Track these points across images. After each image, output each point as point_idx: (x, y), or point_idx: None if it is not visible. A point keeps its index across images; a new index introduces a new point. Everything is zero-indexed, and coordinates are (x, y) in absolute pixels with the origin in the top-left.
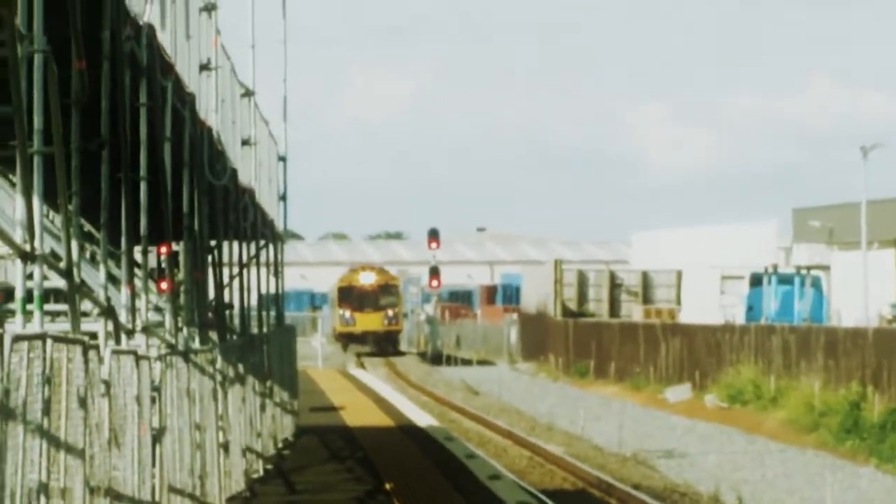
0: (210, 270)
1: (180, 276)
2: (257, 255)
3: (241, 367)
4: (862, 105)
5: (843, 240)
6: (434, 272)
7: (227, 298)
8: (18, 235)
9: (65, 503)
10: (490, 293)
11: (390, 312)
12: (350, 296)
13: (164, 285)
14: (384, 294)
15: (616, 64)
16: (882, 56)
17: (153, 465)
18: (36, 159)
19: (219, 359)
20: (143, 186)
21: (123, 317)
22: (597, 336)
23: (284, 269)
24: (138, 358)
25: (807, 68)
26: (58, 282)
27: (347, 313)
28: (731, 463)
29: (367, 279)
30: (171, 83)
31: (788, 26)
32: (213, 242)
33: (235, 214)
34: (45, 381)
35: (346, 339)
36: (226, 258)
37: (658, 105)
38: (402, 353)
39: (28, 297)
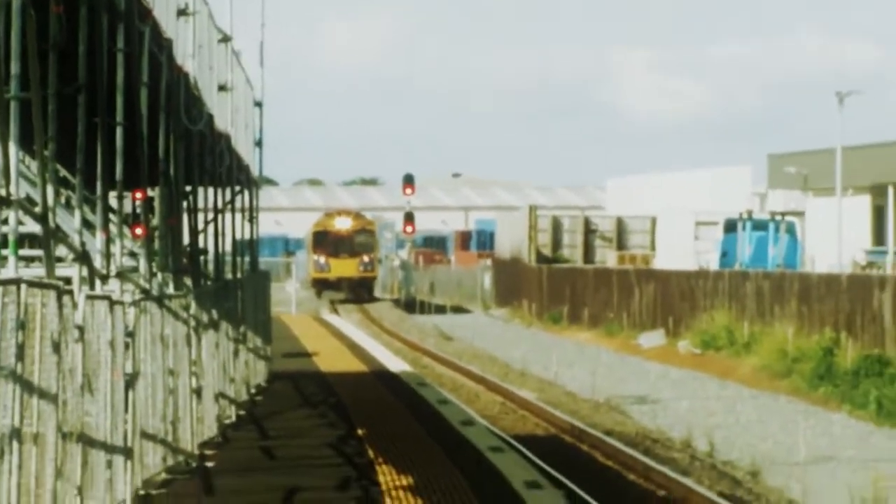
0: (185, 216)
1: (155, 221)
2: (232, 201)
3: (214, 313)
4: (845, 53)
5: (818, 186)
6: (408, 218)
7: (201, 244)
8: None
9: (37, 448)
10: (464, 239)
11: (366, 258)
12: (325, 241)
13: (138, 231)
14: (360, 239)
15: (597, 11)
16: (867, 4)
17: (126, 410)
18: (13, 104)
19: (193, 304)
20: (119, 132)
21: (98, 262)
22: (571, 282)
23: (259, 214)
24: (112, 303)
25: (790, 17)
26: (33, 227)
27: (322, 259)
28: (703, 409)
29: (343, 224)
30: (149, 28)
31: None
32: (188, 188)
33: (211, 160)
34: (19, 326)
35: (321, 286)
36: (201, 204)
37: (640, 53)
38: (377, 300)
39: (3, 241)
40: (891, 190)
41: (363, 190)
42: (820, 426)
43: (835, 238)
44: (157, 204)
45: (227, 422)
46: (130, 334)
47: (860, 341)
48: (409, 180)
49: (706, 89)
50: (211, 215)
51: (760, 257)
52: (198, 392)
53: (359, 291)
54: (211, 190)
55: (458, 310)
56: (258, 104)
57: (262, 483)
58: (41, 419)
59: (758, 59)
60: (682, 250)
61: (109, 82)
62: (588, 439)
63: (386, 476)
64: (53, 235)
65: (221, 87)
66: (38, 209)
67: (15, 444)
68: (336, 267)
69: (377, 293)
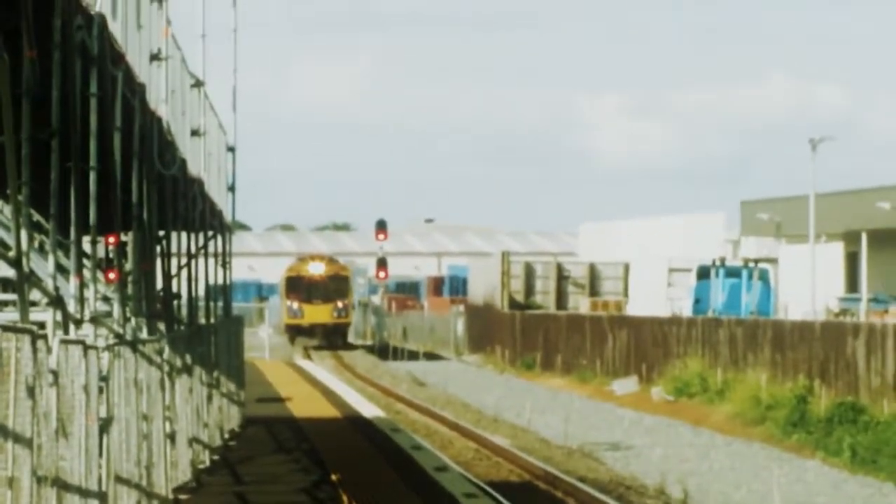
0: (158, 261)
1: (129, 266)
2: (206, 246)
3: (188, 358)
4: (815, 99)
5: (791, 233)
6: (381, 263)
7: (175, 289)
8: None
9: (12, 493)
10: (437, 284)
11: (339, 304)
12: (299, 286)
13: (111, 275)
14: (334, 285)
15: (569, 56)
16: (836, 50)
17: (100, 454)
18: None
19: (166, 349)
20: (92, 176)
21: (72, 306)
22: (544, 328)
23: (232, 259)
24: (86, 348)
25: (760, 62)
26: (6, 271)
27: (295, 305)
28: (677, 455)
29: (317, 269)
30: (122, 73)
31: (742, 20)
32: (161, 233)
33: (185, 204)
34: None
35: (294, 332)
36: (174, 249)
37: (610, 98)
38: (351, 347)
39: None
40: (864, 237)
41: (336, 235)
42: (794, 473)
43: (808, 285)
44: (130, 249)
45: (202, 467)
46: (104, 379)
47: (834, 388)
48: (381, 226)
49: (676, 134)
50: (184, 260)
51: (734, 304)
52: (172, 437)
53: (333, 338)
54: (184, 235)
55: (431, 356)
56: (231, 149)
57: None
58: (16, 463)
59: (728, 104)
60: (655, 297)
61: (83, 127)
62: (562, 486)
63: None
64: (27, 280)
65: (194, 132)
66: (11, 253)
67: None
68: (310, 313)
69: (351, 339)
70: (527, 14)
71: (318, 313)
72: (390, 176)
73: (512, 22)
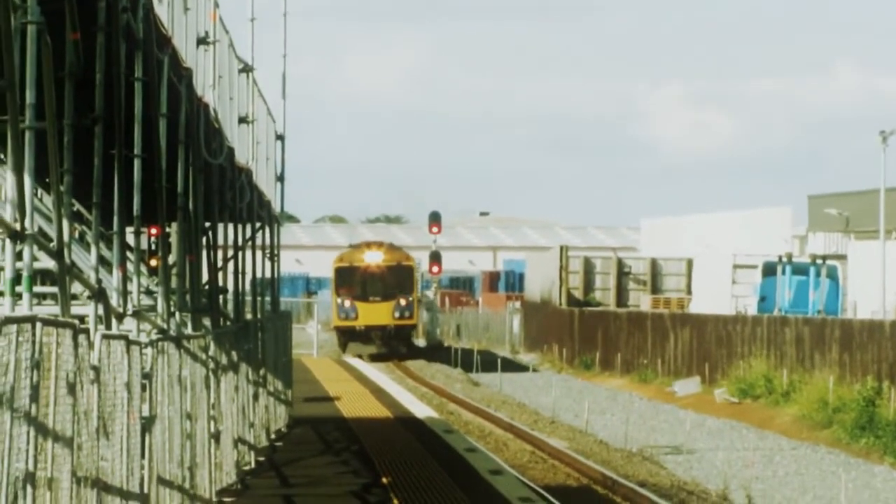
0: (204, 253)
1: (173, 258)
2: (253, 238)
3: (234, 355)
4: (885, 90)
5: (860, 228)
6: (435, 257)
7: (220, 283)
8: (8, 214)
9: (51, 494)
10: (492, 279)
11: (402, 301)
12: (351, 280)
13: (153, 262)
14: (395, 278)
15: (631, 45)
16: None
17: (142, 455)
18: (28, 135)
19: (211, 345)
20: (136, 164)
21: (114, 300)
22: (603, 326)
23: (280, 252)
24: (129, 343)
25: (829, 53)
26: (47, 263)
27: (348, 302)
28: (740, 460)
29: (374, 258)
30: (168, 57)
31: (810, 9)
32: (207, 224)
33: (231, 195)
34: (33, 366)
35: (347, 336)
36: (220, 240)
37: (674, 87)
38: (417, 355)
39: (17, 278)
40: None
41: (387, 228)
42: (861, 479)
43: (878, 283)
44: (174, 240)
45: (247, 468)
46: (147, 376)
47: None
48: (435, 218)
49: (742, 126)
50: (230, 253)
51: (800, 302)
52: (216, 437)
53: (394, 344)
54: (230, 226)
55: (485, 354)
56: (280, 137)
57: None
58: (55, 463)
59: (796, 95)
60: (719, 294)
61: (127, 113)
62: (621, 491)
63: None
64: (69, 272)
65: (242, 119)
66: (53, 245)
67: (29, 489)
68: (365, 313)
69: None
70: (584, 3)
71: (376, 313)
72: (444, 167)
73: (569, 11)
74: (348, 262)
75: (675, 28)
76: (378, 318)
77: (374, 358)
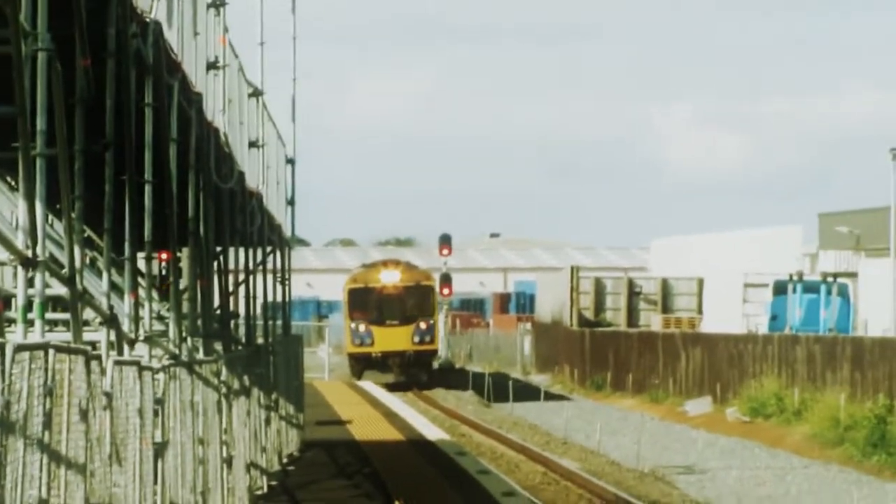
0: (215, 277)
1: (184, 283)
2: (264, 262)
3: (246, 379)
4: (895, 108)
5: (871, 246)
6: (445, 279)
7: (232, 307)
8: (20, 241)
9: None
10: (503, 301)
11: (423, 325)
12: (366, 302)
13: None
14: (414, 299)
15: (638, 65)
16: None
17: (155, 481)
18: (39, 161)
19: (223, 370)
20: (147, 190)
21: (126, 326)
22: (614, 346)
23: (291, 276)
24: (141, 369)
25: (838, 72)
26: (59, 289)
27: (362, 327)
28: (753, 479)
29: (391, 278)
30: (178, 82)
31: (819, 28)
32: (218, 248)
33: (242, 219)
34: (46, 393)
35: (362, 363)
36: (231, 265)
37: (682, 107)
38: (437, 382)
39: (28, 305)
40: None
41: (398, 251)
42: (874, 497)
43: (889, 300)
44: (186, 265)
45: (259, 493)
46: (159, 401)
47: None
48: (445, 241)
49: (752, 145)
50: (241, 277)
51: (812, 321)
52: (228, 462)
53: (413, 371)
54: (241, 250)
55: (497, 375)
56: (290, 161)
57: None
58: (68, 490)
59: (805, 114)
60: (730, 313)
61: (137, 138)
62: None
63: None
64: (81, 298)
65: (252, 144)
66: (64, 271)
67: None
68: (382, 338)
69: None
70: (593, 25)
71: (394, 338)
72: (454, 190)
73: (579, 33)
74: (363, 283)
75: (683, 48)
76: (396, 343)
77: (391, 387)
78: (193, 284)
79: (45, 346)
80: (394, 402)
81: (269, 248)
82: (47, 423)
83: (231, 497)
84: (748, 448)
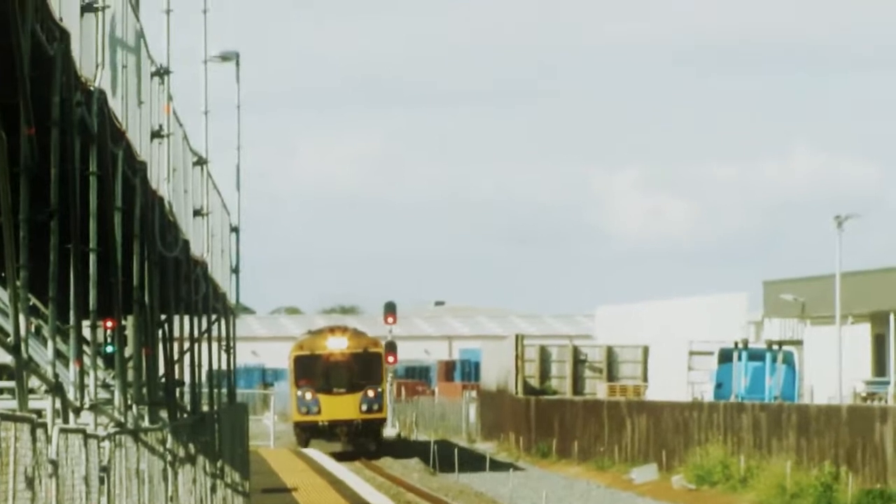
0: (160, 345)
1: (129, 351)
2: (209, 330)
3: (191, 447)
4: (841, 174)
5: (816, 314)
6: (391, 347)
7: (177, 374)
8: None
9: None
10: (448, 369)
11: (371, 393)
12: (313, 369)
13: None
14: (362, 366)
15: (584, 131)
16: (862, 123)
17: None
18: None
19: (169, 438)
20: (92, 258)
21: (71, 394)
22: (560, 414)
23: (236, 344)
24: (87, 437)
25: (783, 136)
26: (4, 358)
27: (309, 395)
28: None
29: (338, 344)
30: (122, 151)
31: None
32: (163, 316)
33: (187, 287)
34: None
35: (308, 432)
36: (176, 332)
37: (628, 173)
38: (385, 451)
39: None
40: (892, 318)
41: (343, 318)
42: None
43: (834, 368)
44: (130, 333)
45: None
46: (105, 469)
47: (861, 475)
48: (390, 309)
49: (697, 211)
50: (186, 345)
51: (757, 388)
52: None
53: (361, 440)
54: (186, 318)
55: (441, 443)
56: (234, 229)
57: None
58: None
59: (750, 179)
60: (675, 381)
61: (82, 207)
62: None
63: None
64: (26, 366)
65: (197, 212)
66: (10, 340)
67: None
68: (329, 406)
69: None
70: (542, 92)
71: (341, 406)
72: (399, 257)
73: (522, 96)
74: (309, 350)
75: (630, 113)
76: (343, 411)
77: (339, 457)
78: (138, 352)
79: None
80: (339, 469)
81: (213, 317)
82: None
83: None
84: None
